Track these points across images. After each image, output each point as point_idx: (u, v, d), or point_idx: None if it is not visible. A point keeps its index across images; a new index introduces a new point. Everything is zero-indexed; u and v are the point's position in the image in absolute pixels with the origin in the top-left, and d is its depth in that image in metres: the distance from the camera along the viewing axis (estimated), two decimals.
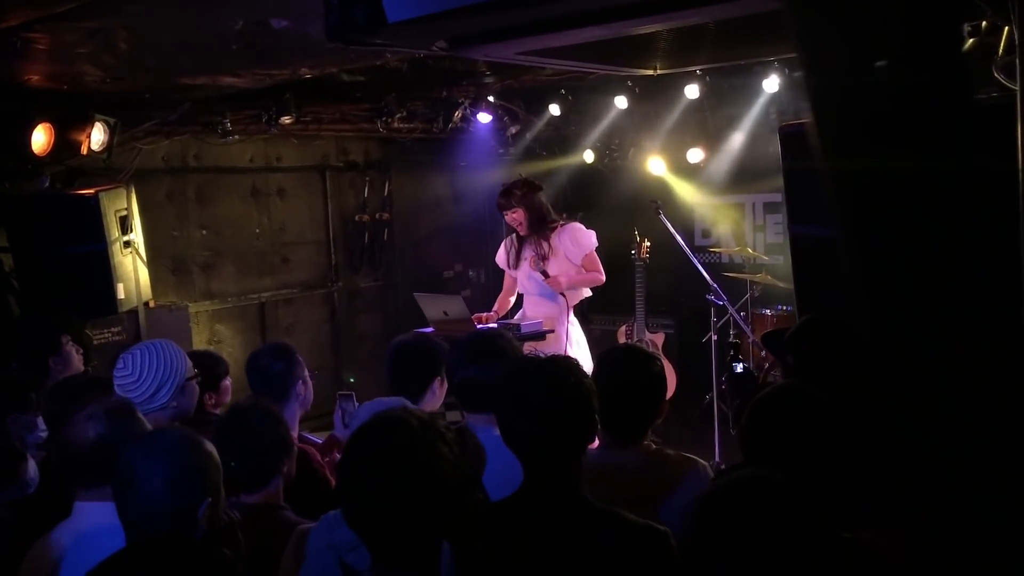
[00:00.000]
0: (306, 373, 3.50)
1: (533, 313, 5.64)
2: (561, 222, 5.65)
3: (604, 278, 5.60)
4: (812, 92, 1.34)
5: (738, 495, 1.68)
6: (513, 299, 5.85)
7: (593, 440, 2.21)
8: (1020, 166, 1.32)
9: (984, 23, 3.28)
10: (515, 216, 5.55)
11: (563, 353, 5.28)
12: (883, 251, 1.29)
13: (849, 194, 1.29)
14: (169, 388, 3.03)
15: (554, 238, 5.54)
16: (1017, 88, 1.33)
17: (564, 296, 5.46)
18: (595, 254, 5.59)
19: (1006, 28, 3.25)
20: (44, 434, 3.42)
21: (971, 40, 3.25)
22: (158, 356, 3.04)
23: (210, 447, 2.16)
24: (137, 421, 2.49)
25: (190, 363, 3.16)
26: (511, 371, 2.26)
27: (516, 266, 5.68)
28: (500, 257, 5.85)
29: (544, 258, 5.49)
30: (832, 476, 2.07)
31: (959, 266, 1.24)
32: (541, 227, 5.55)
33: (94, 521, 2.40)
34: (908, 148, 1.25)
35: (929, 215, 1.25)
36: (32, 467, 2.83)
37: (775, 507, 1.62)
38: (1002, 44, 3.26)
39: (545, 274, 5.43)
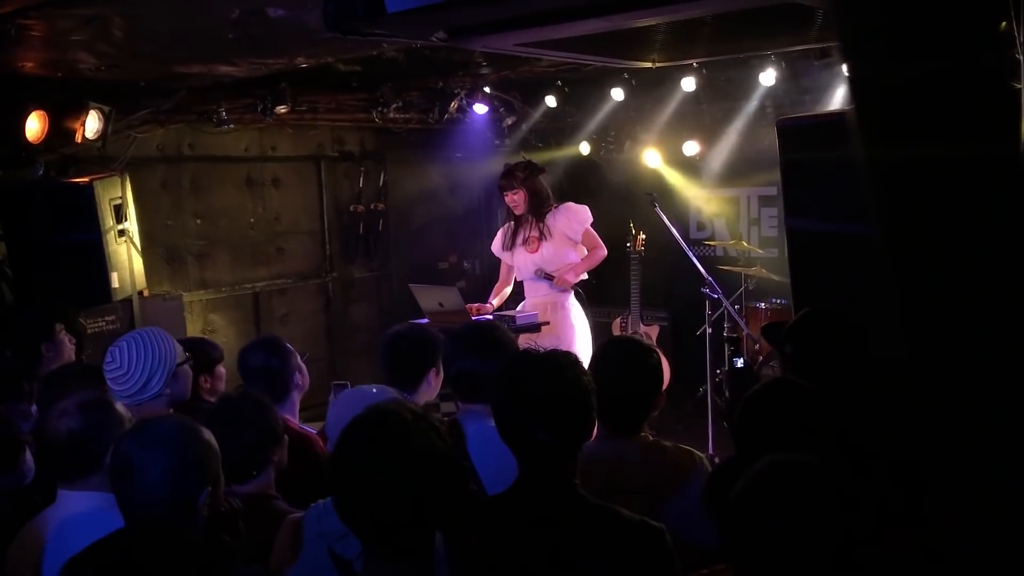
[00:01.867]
0: (299, 360, 3.51)
1: (533, 295, 5.66)
2: (555, 204, 5.67)
3: (605, 251, 5.64)
4: (854, 83, 1.33)
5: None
6: (510, 289, 5.86)
7: (590, 436, 2.20)
8: None
9: None
10: (515, 197, 5.57)
11: (565, 340, 5.35)
12: (919, 242, 1.29)
13: (886, 184, 1.29)
14: (160, 376, 3.02)
15: (549, 219, 5.56)
16: (1022, 85, 1.33)
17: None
18: (592, 229, 5.62)
19: (1003, 23, 3.26)
20: None
21: None
22: (146, 346, 3.03)
23: (208, 435, 2.15)
24: (113, 413, 2.48)
25: (180, 348, 3.15)
26: (508, 366, 2.25)
27: (511, 247, 5.69)
28: (496, 245, 5.85)
29: (539, 240, 5.52)
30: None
31: (997, 258, 1.24)
32: (538, 210, 5.58)
33: (75, 508, 2.41)
34: (946, 138, 1.24)
35: (965, 205, 1.24)
36: (29, 457, 2.82)
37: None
38: None
39: (550, 277, 5.47)
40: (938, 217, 1.27)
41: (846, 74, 1.38)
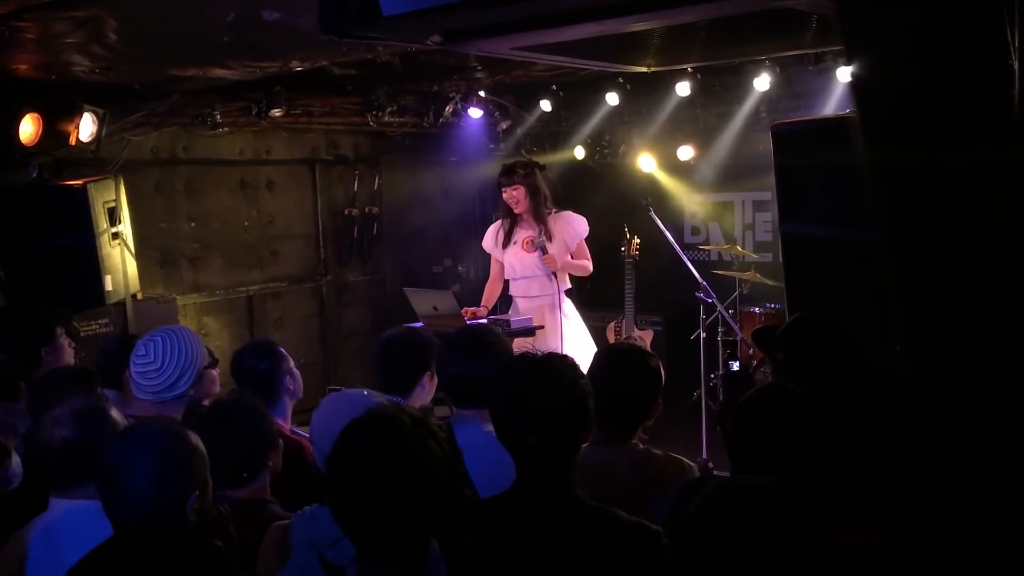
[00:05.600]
0: (292, 365, 3.50)
1: (524, 294, 5.67)
2: (555, 210, 5.69)
3: (592, 268, 5.66)
4: (858, 88, 1.33)
5: (725, 502, 1.67)
6: (500, 286, 5.87)
7: (587, 440, 2.20)
8: None
9: None
10: (515, 193, 5.57)
11: (561, 341, 5.36)
12: (920, 247, 1.29)
13: (888, 190, 1.29)
14: (189, 377, 3.05)
15: (550, 222, 5.58)
16: (1015, 91, 1.33)
17: (555, 277, 5.48)
18: (585, 243, 5.65)
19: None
20: None
21: None
22: (179, 344, 3.05)
23: (195, 439, 2.15)
24: (108, 421, 2.47)
25: (206, 351, 3.16)
26: (507, 370, 2.25)
27: (506, 246, 5.69)
28: (487, 241, 5.86)
29: (536, 247, 5.51)
30: (819, 477, 2.07)
31: (999, 262, 1.23)
32: (538, 209, 5.58)
33: (66, 516, 2.40)
34: (952, 145, 1.24)
35: (969, 211, 1.24)
36: (16, 462, 2.80)
37: (764, 516, 1.61)
38: None
39: (544, 250, 5.46)
40: (941, 224, 1.27)
41: (849, 79, 1.38)
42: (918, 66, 1.25)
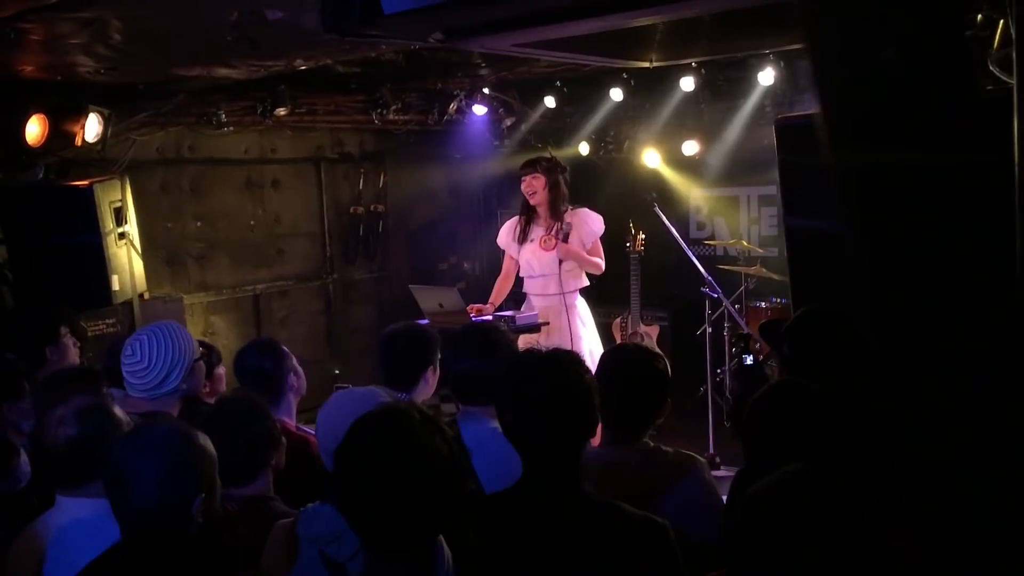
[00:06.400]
0: (295, 362, 3.51)
1: (539, 292, 5.64)
2: (572, 207, 5.66)
3: (604, 267, 5.63)
4: (820, 85, 1.34)
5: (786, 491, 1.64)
6: (511, 284, 5.85)
7: (594, 435, 2.21)
8: (1016, 159, 1.33)
9: (980, 16, 3.28)
10: (534, 183, 5.53)
11: (573, 340, 5.35)
12: (887, 243, 1.30)
13: (855, 187, 1.30)
14: (179, 372, 3.05)
15: (567, 218, 5.55)
16: (1014, 82, 1.34)
17: (560, 276, 5.47)
18: (599, 241, 5.62)
19: (1001, 21, 3.25)
20: None
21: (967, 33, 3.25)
22: (167, 340, 3.05)
23: (204, 440, 2.15)
24: (111, 420, 2.48)
25: (196, 343, 3.18)
26: (512, 366, 2.26)
27: (522, 242, 5.66)
28: (503, 237, 5.81)
29: (556, 239, 5.49)
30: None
31: (963, 259, 1.24)
32: (555, 204, 5.55)
33: (73, 516, 2.41)
34: (914, 141, 1.25)
35: (934, 208, 1.25)
36: (24, 460, 2.82)
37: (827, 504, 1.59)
38: (997, 37, 3.27)
39: (566, 238, 5.44)
40: (904, 219, 1.27)
41: (813, 77, 1.38)
42: (882, 65, 1.25)
